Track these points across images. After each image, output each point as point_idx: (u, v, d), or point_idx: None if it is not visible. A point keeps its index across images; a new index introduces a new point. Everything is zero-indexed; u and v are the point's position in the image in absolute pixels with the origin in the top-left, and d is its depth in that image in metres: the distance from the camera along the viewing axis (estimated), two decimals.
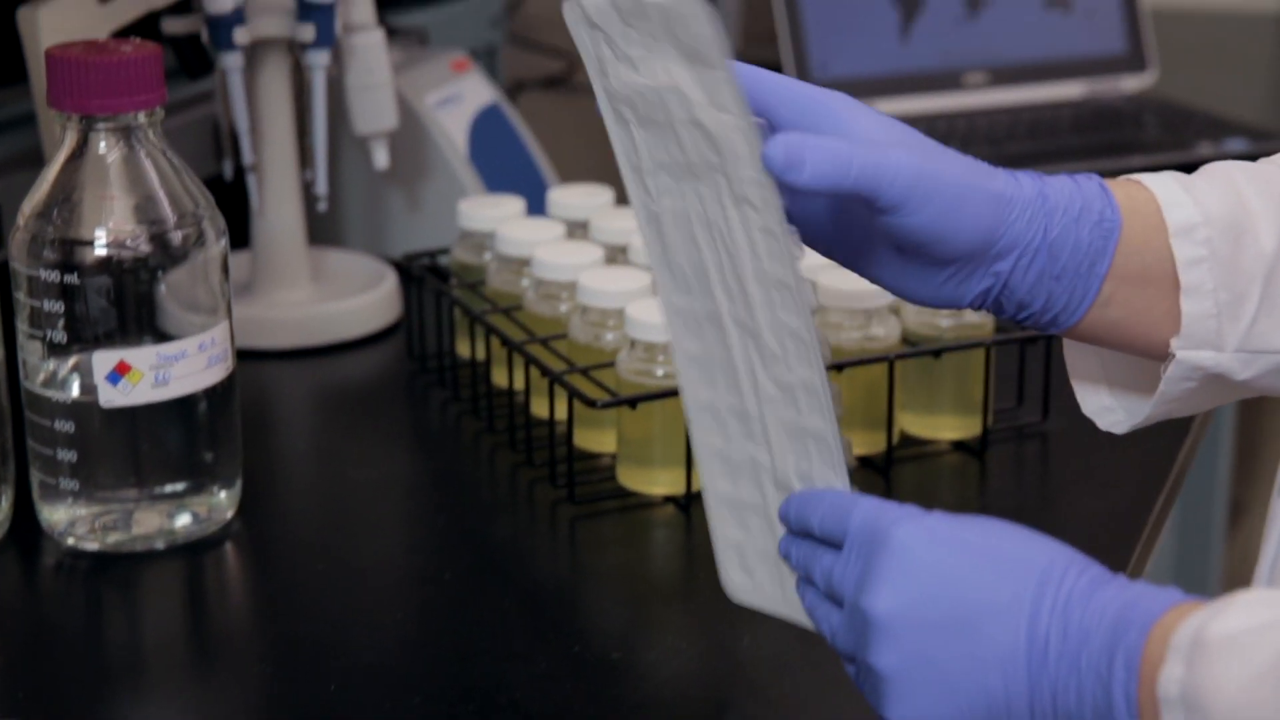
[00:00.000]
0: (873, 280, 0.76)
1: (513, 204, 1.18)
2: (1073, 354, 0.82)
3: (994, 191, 0.73)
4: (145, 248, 0.88)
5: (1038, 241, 0.74)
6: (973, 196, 0.72)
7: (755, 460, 0.75)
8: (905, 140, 0.72)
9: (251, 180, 1.20)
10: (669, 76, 0.70)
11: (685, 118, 0.70)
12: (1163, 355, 0.78)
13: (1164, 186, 0.78)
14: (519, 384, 1.07)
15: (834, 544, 0.70)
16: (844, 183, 0.69)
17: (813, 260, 0.77)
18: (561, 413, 1.01)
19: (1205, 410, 0.85)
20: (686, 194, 0.72)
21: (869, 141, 0.70)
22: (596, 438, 1.03)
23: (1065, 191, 0.75)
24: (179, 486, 0.93)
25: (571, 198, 1.19)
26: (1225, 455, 1.85)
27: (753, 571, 0.77)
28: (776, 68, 0.82)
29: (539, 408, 1.05)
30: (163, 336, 0.90)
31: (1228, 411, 1.82)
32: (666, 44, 0.70)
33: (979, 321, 1.06)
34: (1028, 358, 1.08)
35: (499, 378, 1.11)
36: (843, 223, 0.75)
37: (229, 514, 0.96)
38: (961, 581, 0.66)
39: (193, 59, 1.18)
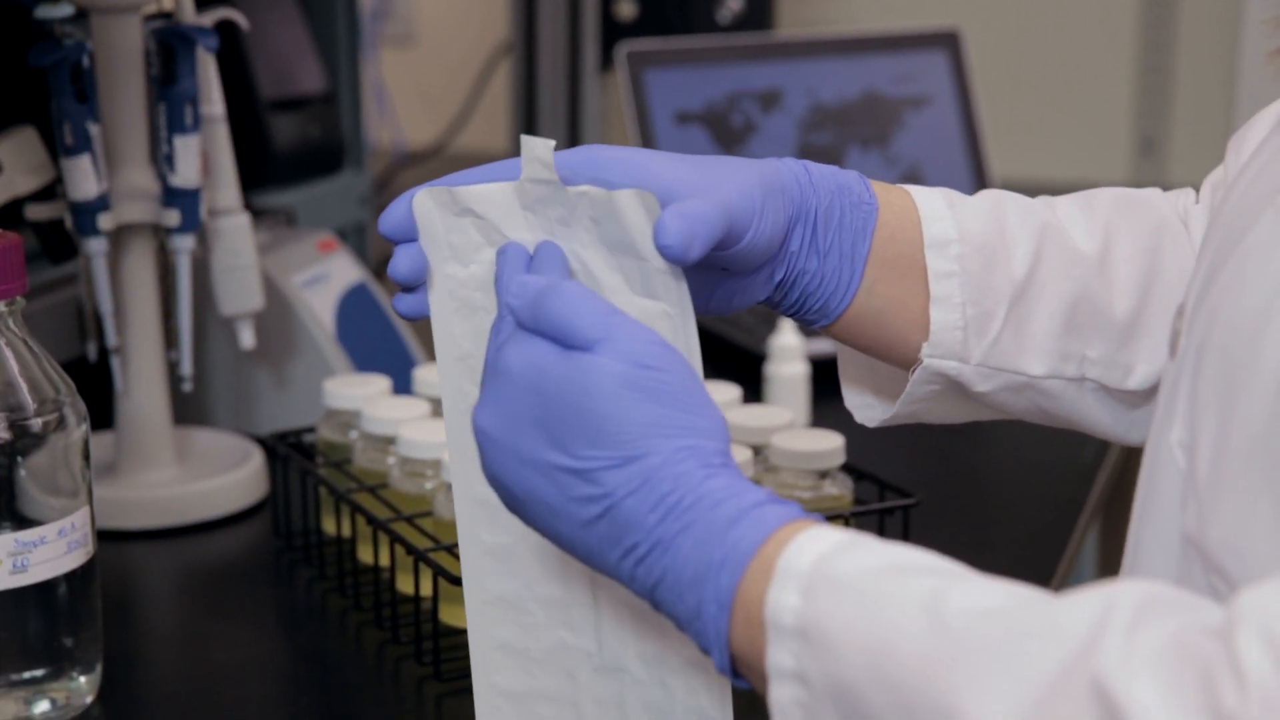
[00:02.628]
0: (716, 311, 0.80)
1: (379, 382, 1.20)
2: (845, 360, 0.88)
3: (780, 186, 0.77)
4: (4, 434, 0.88)
5: (813, 215, 0.79)
6: (773, 199, 0.76)
7: (568, 646, 0.75)
8: (707, 168, 0.76)
9: (115, 362, 1.20)
10: (576, 261, 0.72)
11: None
12: (911, 359, 0.83)
13: (929, 201, 0.83)
14: (384, 561, 1.07)
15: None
16: (715, 237, 0.72)
17: None
18: (427, 589, 1.01)
19: (956, 421, 0.89)
20: None
21: (690, 188, 0.74)
22: (462, 614, 1.02)
23: (826, 172, 0.80)
24: (37, 673, 0.92)
25: (436, 376, 1.20)
26: None
27: None
28: None
29: (404, 584, 1.06)
30: (22, 520, 0.90)
31: (1088, 563, 1.86)
32: (582, 230, 0.72)
33: (838, 494, 1.08)
34: (887, 528, 1.10)
35: (365, 555, 1.11)
36: (705, 277, 0.79)
37: (88, 699, 0.95)
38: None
39: (56, 244, 1.19)
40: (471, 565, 0.77)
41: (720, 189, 0.74)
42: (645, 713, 0.74)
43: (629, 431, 0.66)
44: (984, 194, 0.85)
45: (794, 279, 0.80)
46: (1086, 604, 0.56)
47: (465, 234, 0.74)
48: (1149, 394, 0.85)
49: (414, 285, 0.75)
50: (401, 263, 0.74)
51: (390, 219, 0.74)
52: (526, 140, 0.72)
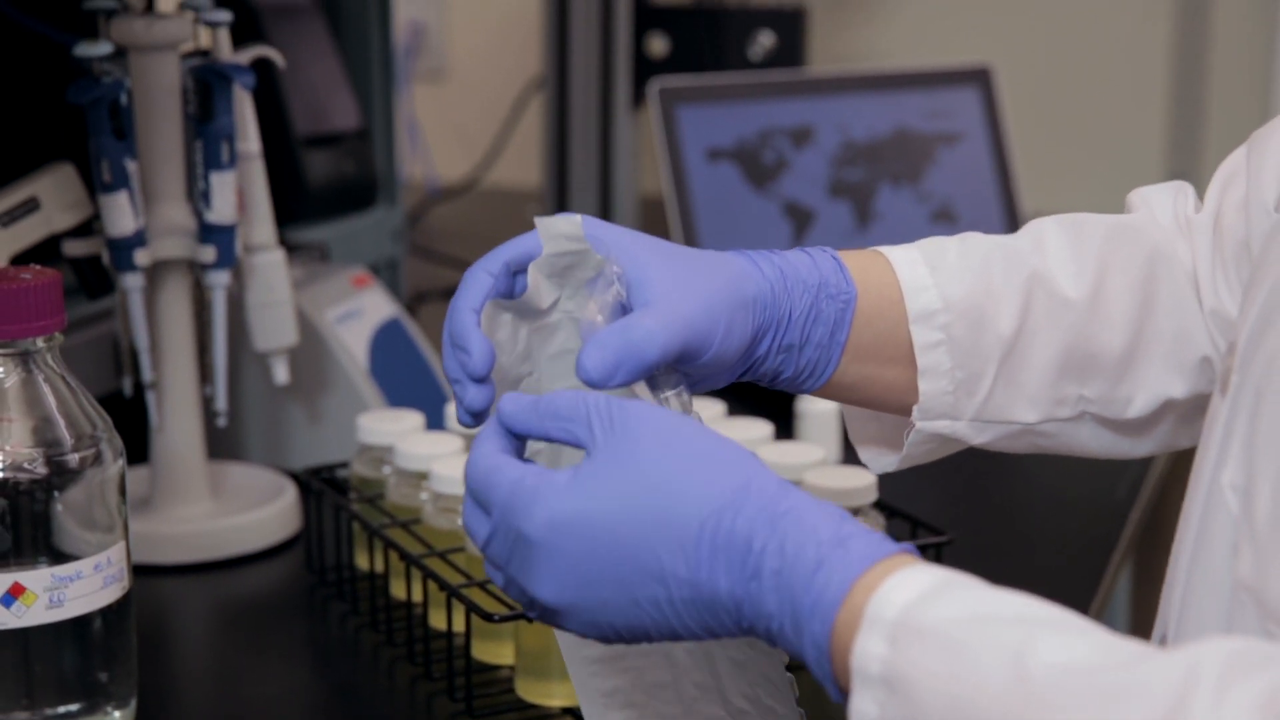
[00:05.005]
0: None
1: (412, 418, 1.20)
2: (849, 416, 0.89)
3: (749, 297, 0.77)
4: (42, 470, 0.89)
5: (786, 320, 0.79)
6: (738, 316, 0.76)
7: (668, 652, 0.77)
8: (685, 273, 0.75)
9: (151, 397, 1.21)
10: (601, 314, 0.75)
11: None
12: (903, 410, 0.83)
13: (910, 270, 0.82)
14: (417, 597, 1.07)
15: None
16: (645, 367, 0.73)
17: None
18: (460, 625, 1.01)
19: (956, 451, 0.89)
20: None
21: (662, 291, 0.74)
22: (495, 650, 1.04)
23: (803, 267, 0.80)
24: (72, 707, 0.92)
25: None
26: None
27: None
28: None
29: (437, 620, 1.06)
30: (59, 555, 0.90)
31: (1121, 603, 1.85)
32: (606, 287, 0.75)
33: None
34: None
35: (398, 590, 1.12)
36: None
37: None
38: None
39: (93, 279, 1.20)
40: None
41: (684, 303, 0.74)
42: (733, 666, 0.76)
43: (690, 526, 0.66)
44: (969, 243, 0.85)
45: (767, 373, 0.80)
46: (1172, 664, 0.56)
47: (506, 328, 0.77)
48: (1150, 420, 0.85)
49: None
50: (479, 398, 0.74)
51: (479, 361, 0.73)
52: (545, 222, 0.74)
